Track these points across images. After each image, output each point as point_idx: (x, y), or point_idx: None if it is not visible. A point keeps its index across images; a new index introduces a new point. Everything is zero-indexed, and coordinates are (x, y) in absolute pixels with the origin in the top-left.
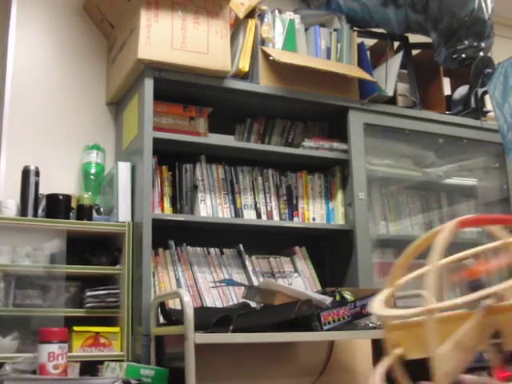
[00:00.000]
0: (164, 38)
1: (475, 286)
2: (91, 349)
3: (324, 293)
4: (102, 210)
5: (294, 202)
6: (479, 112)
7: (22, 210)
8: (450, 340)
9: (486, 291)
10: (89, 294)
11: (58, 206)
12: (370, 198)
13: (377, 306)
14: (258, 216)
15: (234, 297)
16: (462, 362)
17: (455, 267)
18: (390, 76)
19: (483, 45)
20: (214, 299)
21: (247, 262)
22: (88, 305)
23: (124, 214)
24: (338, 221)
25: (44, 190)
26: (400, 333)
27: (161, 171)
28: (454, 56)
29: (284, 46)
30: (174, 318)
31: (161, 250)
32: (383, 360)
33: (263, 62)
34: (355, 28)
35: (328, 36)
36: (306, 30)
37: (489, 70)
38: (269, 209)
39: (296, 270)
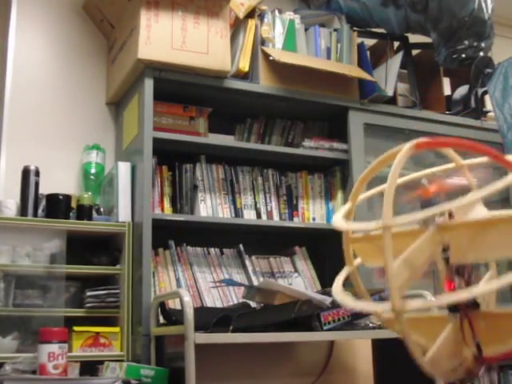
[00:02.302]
0: (164, 38)
1: (428, 204)
2: (91, 349)
3: (324, 293)
4: (101, 209)
5: (294, 202)
6: (479, 112)
7: (22, 210)
8: (401, 256)
9: (437, 209)
10: (89, 293)
11: (58, 206)
12: (370, 198)
13: (338, 219)
14: (258, 216)
15: (234, 297)
16: (411, 278)
17: (411, 186)
18: (389, 76)
19: (483, 45)
20: (214, 299)
21: (247, 262)
22: (88, 305)
23: (124, 214)
24: None
25: (44, 190)
26: (359, 245)
27: (161, 171)
28: (454, 56)
29: (284, 45)
30: (173, 317)
31: (161, 250)
32: (343, 270)
33: (263, 62)
34: (355, 28)
35: (328, 36)
36: (306, 30)
37: (489, 70)
38: (269, 209)
39: (296, 270)
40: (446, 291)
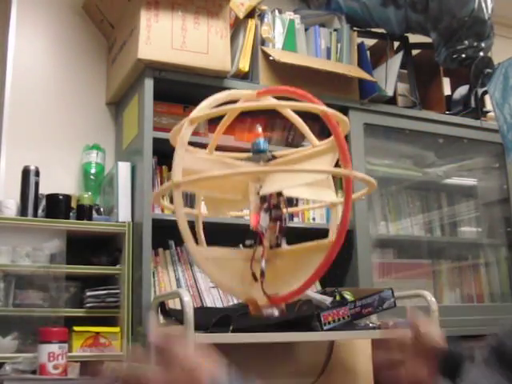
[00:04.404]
0: (164, 38)
1: (257, 147)
2: (91, 349)
3: (324, 293)
4: (101, 209)
5: (294, 202)
6: (479, 112)
7: (22, 210)
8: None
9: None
10: (89, 294)
11: (58, 205)
12: (370, 197)
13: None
14: None
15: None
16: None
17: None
18: (390, 76)
19: (483, 45)
20: (214, 299)
21: None
22: (88, 305)
23: (124, 214)
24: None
25: (44, 189)
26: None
27: (161, 171)
28: (454, 56)
29: (284, 46)
30: (173, 318)
31: (161, 250)
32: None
33: (263, 62)
34: (355, 28)
35: (328, 36)
36: (306, 30)
37: (489, 70)
38: None
39: None
40: (252, 223)
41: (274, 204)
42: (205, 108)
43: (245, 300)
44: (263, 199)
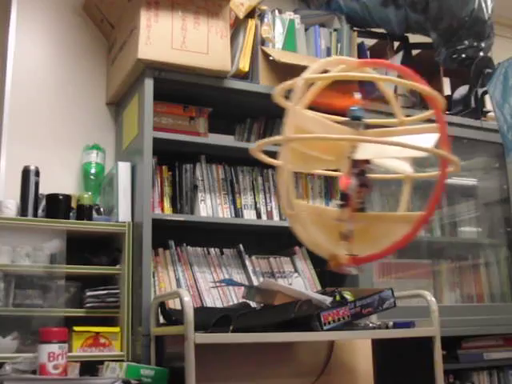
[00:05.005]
0: (164, 38)
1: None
2: (91, 349)
3: (324, 293)
4: (102, 209)
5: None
6: (479, 112)
7: (22, 210)
8: None
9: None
10: (89, 293)
11: (58, 206)
12: (370, 197)
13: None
14: (258, 216)
15: (233, 297)
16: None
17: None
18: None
19: (483, 45)
20: (214, 299)
21: (247, 262)
22: (88, 305)
23: (124, 214)
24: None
25: (44, 189)
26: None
27: (161, 171)
28: (454, 56)
29: (284, 46)
30: (173, 317)
31: (161, 250)
32: None
33: (263, 62)
34: (355, 28)
35: (328, 36)
36: (306, 30)
37: (489, 70)
38: (269, 209)
39: (296, 270)
40: (342, 185)
41: (361, 170)
42: (316, 70)
43: (327, 256)
44: (354, 163)
